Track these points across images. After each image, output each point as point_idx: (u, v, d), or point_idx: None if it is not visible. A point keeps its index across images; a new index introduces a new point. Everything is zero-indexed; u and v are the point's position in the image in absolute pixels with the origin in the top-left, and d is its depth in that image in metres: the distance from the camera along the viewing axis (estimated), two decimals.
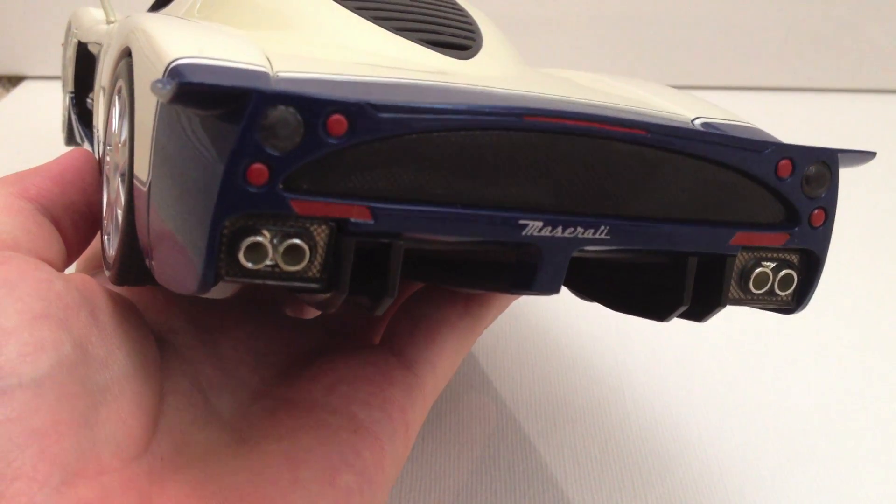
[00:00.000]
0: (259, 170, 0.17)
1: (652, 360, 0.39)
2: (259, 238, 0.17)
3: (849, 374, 0.39)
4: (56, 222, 0.25)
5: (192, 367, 0.24)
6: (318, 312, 0.29)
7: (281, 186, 0.17)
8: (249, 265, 0.17)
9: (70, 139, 0.49)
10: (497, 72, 0.25)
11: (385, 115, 0.17)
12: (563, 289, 0.26)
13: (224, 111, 0.16)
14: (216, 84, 0.16)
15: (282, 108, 0.16)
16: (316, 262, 0.18)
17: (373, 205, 0.18)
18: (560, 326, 0.41)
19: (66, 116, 0.49)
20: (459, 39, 0.25)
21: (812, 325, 0.43)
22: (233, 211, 0.17)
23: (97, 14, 0.44)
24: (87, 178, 0.26)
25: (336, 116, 0.17)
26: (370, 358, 0.25)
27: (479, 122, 0.18)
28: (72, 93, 0.46)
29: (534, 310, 0.42)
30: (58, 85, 0.52)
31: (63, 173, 0.25)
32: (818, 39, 0.77)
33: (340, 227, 0.18)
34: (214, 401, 0.23)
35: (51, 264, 0.23)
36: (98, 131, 0.26)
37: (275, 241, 0.17)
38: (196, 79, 0.17)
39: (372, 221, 0.18)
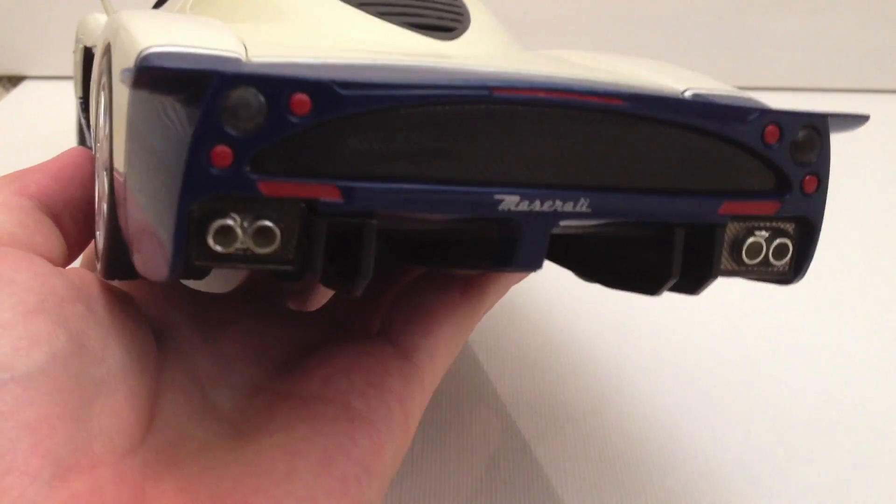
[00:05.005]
0: (223, 152, 0.16)
1: (652, 360, 0.39)
2: (228, 221, 0.17)
3: (851, 373, 0.39)
4: (56, 219, 0.25)
5: (191, 361, 0.24)
6: (321, 305, 0.29)
7: (247, 168, 0.17)
8: (219, 249, 0.17)
9: (82, 143, 0.50)
10: (481, 52, 0.24)
11: (348, 93, 0.17)
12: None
13: (188, 95, 0.16)
14: (175, 67, 0.16)
15: (243, 88, 0.16)
16: (289, 244, 0.18)
17: (342, 184, 0.17)
18: (560, 326, 0.41)
19: (78, 121, 0.50)
20: (445, 21, 0.25)
21: (814, 325, 0.42)
22: (199, 194, 0.17)
23: (102, 19, 0.44)
24: (86, 174, 0.26)
25: (299, 96, 0.17)
26: (367, 348, 0.24)
27: (446, 96, 0.18)
28: (80, 97, 0.47)
29: (534, 309, 0.42)
30: (58, 85, 0.53)
31: (62, 170, 0.25)
32: (818, 39, 0.77)
33: (311, 208, 0.17)
34: (212, 395, 0.23)
35: (50, 260, 0.23)
36: (93, 130, 0.27)
37: (245, 223, 0.17)
38: (158, 64, 0.17)
39: (342, 201, 0.17)
